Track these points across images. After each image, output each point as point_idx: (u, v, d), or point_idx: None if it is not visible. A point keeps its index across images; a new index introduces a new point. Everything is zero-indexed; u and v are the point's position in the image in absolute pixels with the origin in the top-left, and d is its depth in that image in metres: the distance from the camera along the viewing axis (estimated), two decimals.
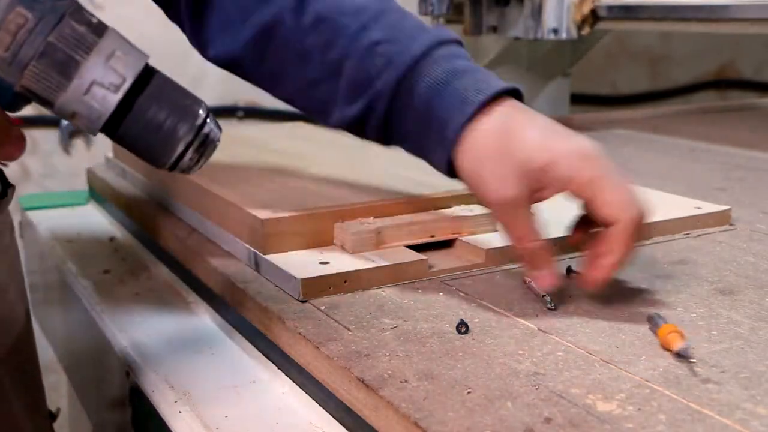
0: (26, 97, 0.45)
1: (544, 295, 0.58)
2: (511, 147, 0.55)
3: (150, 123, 0.46)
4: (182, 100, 0.47)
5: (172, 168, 0.48)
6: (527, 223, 0.57)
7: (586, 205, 0.56)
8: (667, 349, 0.49)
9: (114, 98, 0.44)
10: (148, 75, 0.46)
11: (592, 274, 0.56)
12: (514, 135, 0.55)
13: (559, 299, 0.58)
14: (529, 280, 0.60)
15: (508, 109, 0.57)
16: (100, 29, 0.44)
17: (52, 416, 0.74)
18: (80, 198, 1.09)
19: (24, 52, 0.43)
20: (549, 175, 0.55)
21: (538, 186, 0.56)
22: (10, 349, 0.66)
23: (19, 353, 0.68)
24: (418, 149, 0.61)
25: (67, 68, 0.43)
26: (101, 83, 0.44)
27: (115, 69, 0.44)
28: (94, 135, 0.47)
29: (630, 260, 0.56)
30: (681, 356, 0.48)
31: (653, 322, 0.52)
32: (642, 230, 0.55)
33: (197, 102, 0.48)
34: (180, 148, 0.47)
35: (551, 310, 0.56)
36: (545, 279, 0.57)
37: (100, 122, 0.45)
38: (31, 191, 1.44)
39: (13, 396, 0.66)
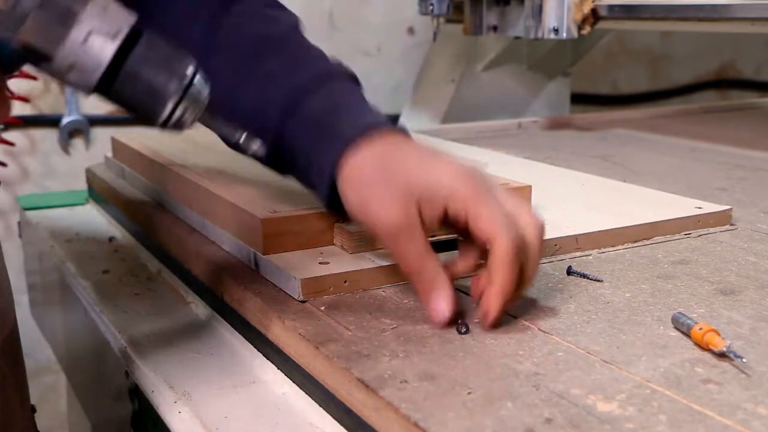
0: (23, 57, 0.46)
1: (459, 322, 0.53)
2: (392, 172, 0.54)
3: (141, 80, 0.47)
4: (171, 58, 0.48)
5: (164, 125, 0.49)
6: (418, 249, 0.54)
7: (468, 224, 0.53)
8: (706, 349, 0.49)
9: (111, 47, 0.46)
10: (137, 34, 0.47)
11: (481, 310, 0.53)
12: (395, 161, 0.55)
13: (559, 300, 0.58)
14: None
15: (389, 138, 0.57)
16: None
17: (34, 410, 0.75)
18: (79, 198, 1.09)
19: (24, 3, 0.44)
20: (430, 193, 0.53)
21: (423, 208, 0.54)
22: (6, 340, 0.66)
23: (12, 346, 0.68)
24: (305, 181, 0.62)
25: (65, 18, 0.45)
26: (99, 32, 0.45)
27: (111, 19, 0.46)
28: (89, 93, 0.48)
29: (521, 287, 0.53)
30: (726, 355, 0.48)
31: (680, 322, 0.52)
32: (529, 251, 0.53)
33: (186, 59, 0.49)
34: (170, 105, 0.48)
35: (461, 333, 0.52)
36: (438, 309, 0.53)
37: (96, 74, 0.46)
38: (30, 191, 1.44)
39: (11, 389, 0.66)
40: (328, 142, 0.58)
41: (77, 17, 0.45)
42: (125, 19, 0.46)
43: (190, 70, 0.48)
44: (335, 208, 0.60)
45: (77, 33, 0.45)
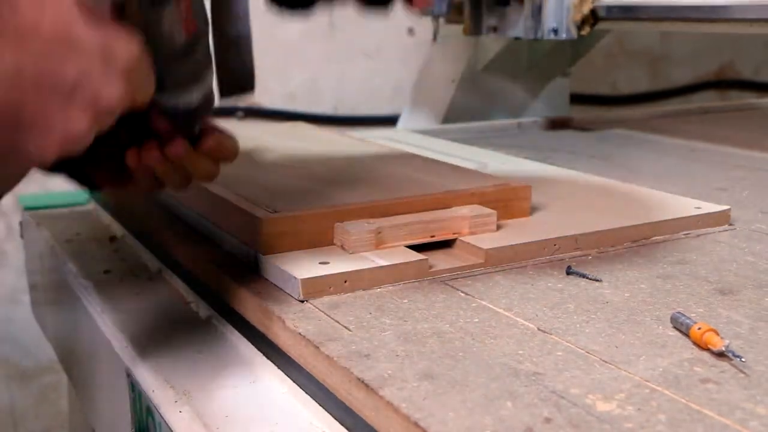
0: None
1: None
2: None
3: None
4: None
5: None
6: None
7: None
8: (705, 349, 0.49)
9: None
10: None
11: None
12: None
13: (558, 300, 0.58)
14: None
15: None
16: None
17: None
18: (80, 198, 1.09)
19: None
20: None
21: None
22: None
23: None
24: None
25: None
26: None
27: None
28: None
29: None
30: (726, 355, 0.48)
31: (679, 321, 0.52)
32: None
33: None
34: None
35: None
36: None
37: None
38: (31, 191, 1.44)
39: None
40: None
41: None
42: None
43: None
44: None
45: None
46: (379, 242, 0.64)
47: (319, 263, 0.62)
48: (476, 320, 0.55)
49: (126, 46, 0.46)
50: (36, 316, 1.13)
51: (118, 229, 0.96)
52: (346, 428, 0.50)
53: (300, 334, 0.54)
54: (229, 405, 0.54)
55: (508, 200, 0.73)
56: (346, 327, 0.54)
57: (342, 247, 0.65)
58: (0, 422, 1.63)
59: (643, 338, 0.52)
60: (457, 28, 1.36)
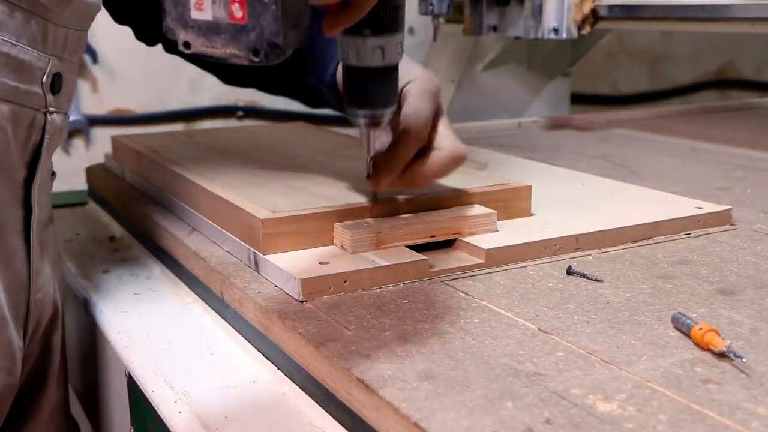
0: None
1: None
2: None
3: None
4: None
5: None
6: None
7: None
8: (706, 349, 0.49)
9: None
10: None
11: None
12: None
13: (559, 300, 0.58)
14: None
15: None
16: None
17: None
18: (79, 198, 1.09)
19: None
20: None
21: None
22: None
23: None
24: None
25: None
26: None
27: None
28: None
29: (418, 175, 0.66)
30: (726, 355, 0.48)
31: (680, 321, 0.52)
32: (434, 151, 0.66)
33: None
34: None
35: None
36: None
37: None
38: None
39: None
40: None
41: None
42: None
43: None
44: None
45: None
46: (379, 242, 0.64)
47: (319, 263, 0.62)
48: (476, 320, 0.55)
49: None
50: None
51: (117, 229, 0.96)
52: (346, 428, 0.50)
53: (300, 334, 0.53)
54: (229, 405, 0.54)
55: (508, 200, 0.73)
56: (346, 327, 0.54)
57: (342, 248, 0.65)
58: None
59: (644, 338, 0.52)
60: (457, 28, 1.36)
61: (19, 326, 0.63)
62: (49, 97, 0.61)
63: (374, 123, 0.63)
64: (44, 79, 0.60)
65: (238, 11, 0.45)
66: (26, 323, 0.64)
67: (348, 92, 0.63)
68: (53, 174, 0.69)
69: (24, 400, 0.68)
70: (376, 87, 0.61)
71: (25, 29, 0.57)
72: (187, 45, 0.47)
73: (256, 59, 0.46)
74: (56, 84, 0.62)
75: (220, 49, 0.46)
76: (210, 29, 0.46)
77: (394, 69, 0.62)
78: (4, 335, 0.60)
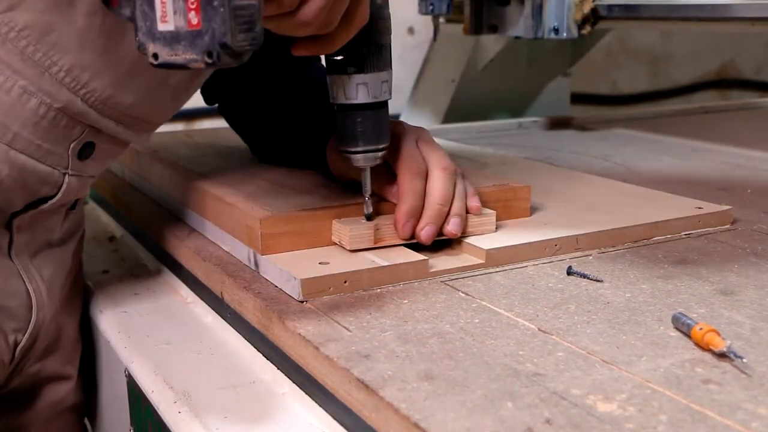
0: None
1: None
2: None
3: None
4: None
5: None
6: None
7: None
8: (707, 349, 0.49)
9: None
10: None
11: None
12: None
13: (559, 300, 0.58)
14: None
15: None
16: None
17: None
18: None
19: None
20: None
21: None
22: None
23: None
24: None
25: None
26: None
27: None
28: None
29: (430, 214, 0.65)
30: (727, 356, 0.48)
31: (681, 322, 0.52)
32: (432, 180, 0.65)
33: None
34: None
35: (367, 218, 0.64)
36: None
37: None
38: None
39: None
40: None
41: None
42: None
43: None
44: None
45: None
46: (377, 239, 0.64)
47: (319, 263, 0.61)
48: (476, 321, 0.54)
49: None
50: None
51: (117, 229, 0.96)
52: (346, 428, 0.50)
53: (300, 334, 0.53)
54: (229, 405, 0.54)
55: (508, 200, 0.73)
56: (346, 327, 0.54)
57: (340, 244, 0.65)
58: None
59: (644, 339, 0.51)
60: (457, 28, 1.36)
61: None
62: (74, 161, 0.62)
63: (370, 159, 0.64)
64: (72, 144, 0.62)
65: (194, 18, 0.47)
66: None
67: (341, 133, 0.64)
68: (75, 203, 0.70)
69: (24, 400, 0.69)
70: (367, 123, 0.63)
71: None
72: (155, 56, 0.50)
73: (209, 61, 0.47)
74: (86, 151, 0.63)
75: (181, 55, 0.48)
76: (173, 38, 0.48)
77: (383, 105, 0.63)
78: None
